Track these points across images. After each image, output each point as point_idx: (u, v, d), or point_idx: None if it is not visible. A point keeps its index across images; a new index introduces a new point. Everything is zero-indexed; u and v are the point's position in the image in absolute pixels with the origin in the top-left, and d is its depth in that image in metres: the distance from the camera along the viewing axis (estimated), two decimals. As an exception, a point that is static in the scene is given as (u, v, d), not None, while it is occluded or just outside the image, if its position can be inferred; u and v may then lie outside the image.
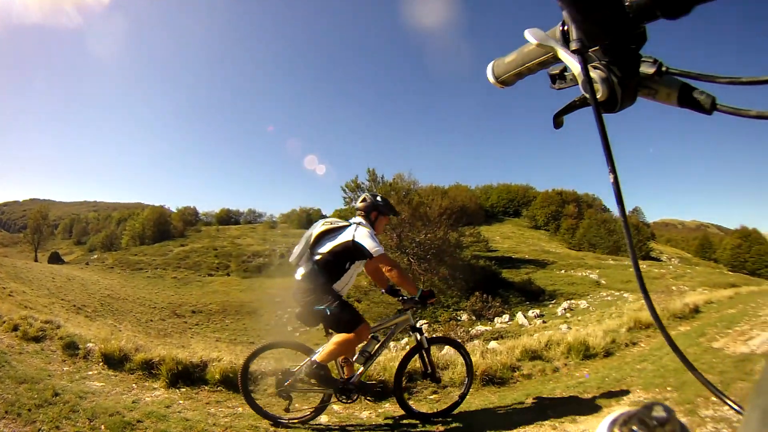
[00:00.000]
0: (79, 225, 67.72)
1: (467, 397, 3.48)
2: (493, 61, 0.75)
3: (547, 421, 3.15)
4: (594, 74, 0.57)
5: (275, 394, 3.16)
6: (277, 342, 3.38)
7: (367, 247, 3.00)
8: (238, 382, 3.17)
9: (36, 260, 44.12)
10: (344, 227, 3.17)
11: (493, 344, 4.39)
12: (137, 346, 4.30)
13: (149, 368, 3.91)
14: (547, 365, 4.64)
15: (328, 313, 2.96)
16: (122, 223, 55.58)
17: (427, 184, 35.97)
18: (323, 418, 3.31)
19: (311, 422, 3.18)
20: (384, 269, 3.07)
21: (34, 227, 53.63)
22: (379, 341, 3.25)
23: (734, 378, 3.67)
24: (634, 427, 0.41)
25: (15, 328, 4.82)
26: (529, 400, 3.65)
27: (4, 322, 5.14)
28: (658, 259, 46.67)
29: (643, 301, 0.55)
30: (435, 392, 3.87)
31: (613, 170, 0.52)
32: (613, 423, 0.43)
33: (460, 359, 3.83)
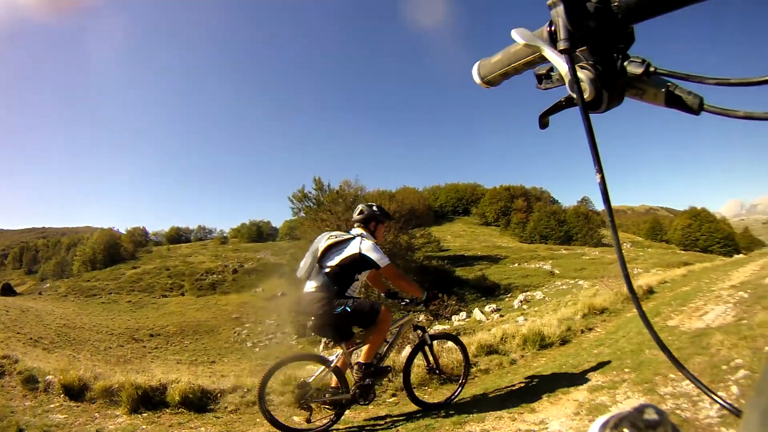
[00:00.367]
0: (28, 254, 63.04)
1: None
2: (478, 62, 0.75)
3: (505, 412, 3.16)
4: (581, 74, 0.57)
5: (295, 407, 3.30)
6: (289, 357, 3.51)
7: (375, 260, 3.23)
8: (257, 402, 3.20)
9: (-13, 294, 40.95)
10: (349, 240, 3.34)
11: (450, 344, 4.52)
12: (96, 374, 4.29)
13: (110, 396, 3.91)
14: (504, 358, 4.68)
15: (349, 310, 3.15)
16: (72, 249, 52.47)
17: (374, 189, 34.29)
18: (344, 418, 3.46)
19: (332, 427, 3.28)
20: (391, 278, 3.35)
21: (-19, 259, 49.41)
22: (387, 342, 3.47)
23: (691, 353, 3.64)
24: (625, 430, 0.40)
25: (-29, 367, 4.63)
26: (488, 394, 3.71)
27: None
28: (610, 245, 48.58)
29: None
30: (442, 384, 4.08)
31: (600, 170, 0.52)
32: (604, 426, 0.41)
33: (459, 355, 4.02)
